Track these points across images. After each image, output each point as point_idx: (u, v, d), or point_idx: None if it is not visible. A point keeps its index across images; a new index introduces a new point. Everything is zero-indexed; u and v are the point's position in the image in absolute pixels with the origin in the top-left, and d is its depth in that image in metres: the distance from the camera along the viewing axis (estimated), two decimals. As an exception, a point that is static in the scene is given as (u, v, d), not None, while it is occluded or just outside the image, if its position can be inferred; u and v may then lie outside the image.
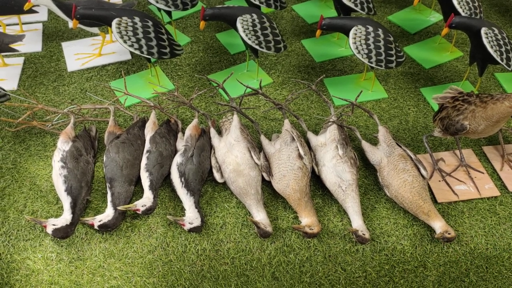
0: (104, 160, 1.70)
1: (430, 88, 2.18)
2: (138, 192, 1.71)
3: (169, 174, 1.71)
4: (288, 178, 1.63)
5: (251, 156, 1.68)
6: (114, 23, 1.90)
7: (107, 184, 1.65)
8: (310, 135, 1.81)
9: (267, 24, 2.01)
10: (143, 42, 1.92)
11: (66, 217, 1.55)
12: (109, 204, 1.60)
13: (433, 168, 1.79)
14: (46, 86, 2.16)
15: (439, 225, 1.56)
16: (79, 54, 2.32)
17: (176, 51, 2.03)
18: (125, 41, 1.91)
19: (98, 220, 1.56)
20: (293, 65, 2.31)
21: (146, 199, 1.60)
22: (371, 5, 2.22)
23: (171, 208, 1.67)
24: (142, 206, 1.58)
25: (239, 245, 1.59)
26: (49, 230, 1.52)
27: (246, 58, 2.30)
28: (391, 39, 1.96)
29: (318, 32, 2.01)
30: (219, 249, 1.58)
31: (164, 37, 1.98)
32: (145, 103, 1.97)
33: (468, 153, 1.88)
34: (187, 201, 1.62)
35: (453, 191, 1.73)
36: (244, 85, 1.91)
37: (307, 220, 1.57)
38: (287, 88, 2.18)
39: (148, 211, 1.59)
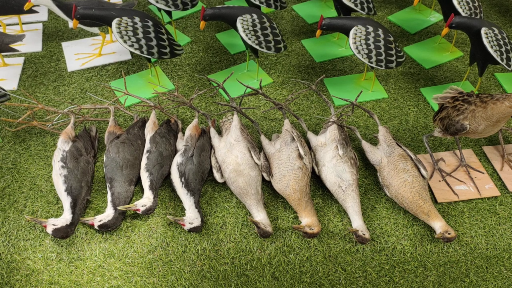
0: (104, 160, 1.70)
1: (430, 88, 2.18)
2: (138, 192, 1.71)
3: (169, 174, 1.71)
4: (288, 178, 1.62)
5: (251, 156, 1.68)
6: (114, 23, 1.90)
7: (107, 184, 1.65)
8: (310, 135, 1.81)
9: (267, 24, 2.01)
10: (143, 42, 1.92)
11: (66, 217, 1.55)
12: (109, 204, 1.61)
13: (433, 168, 1.79)
14: (46, 86, 2.16)
15: (439, 225, 1.56)
16: (79, 54, 2.32)
17: (176, 51, 2.03)
18: (125, 41, 1.91)
19: (98, 220, 1.56)
20: (293, 65, 2.31)
21: (146, 199, 1.60)
22: (371, 5, 2.22)
23: (171, 208, 1.67)
24: (142, 206, 1.58)
25: (239, 245, 1.59)
26: (49, 230, 1.52)
27: (246, 58, 2.30)
28: (391, 39, 1.96)
29: (318, 32, 2.01)
30: (219, 249, 1.58)
31: (164, 37, 1.98)
32: (145, 103, 1.97)
33: (468, 153, 1.88)
34: (187, 201, 1.62)
35: (453, 191, 1.73)
36: (244, 85, 1.91)
37: (307, 220, 1.57)
38: (287, 88, 2.18)
39: (148, 211, 1.59)
